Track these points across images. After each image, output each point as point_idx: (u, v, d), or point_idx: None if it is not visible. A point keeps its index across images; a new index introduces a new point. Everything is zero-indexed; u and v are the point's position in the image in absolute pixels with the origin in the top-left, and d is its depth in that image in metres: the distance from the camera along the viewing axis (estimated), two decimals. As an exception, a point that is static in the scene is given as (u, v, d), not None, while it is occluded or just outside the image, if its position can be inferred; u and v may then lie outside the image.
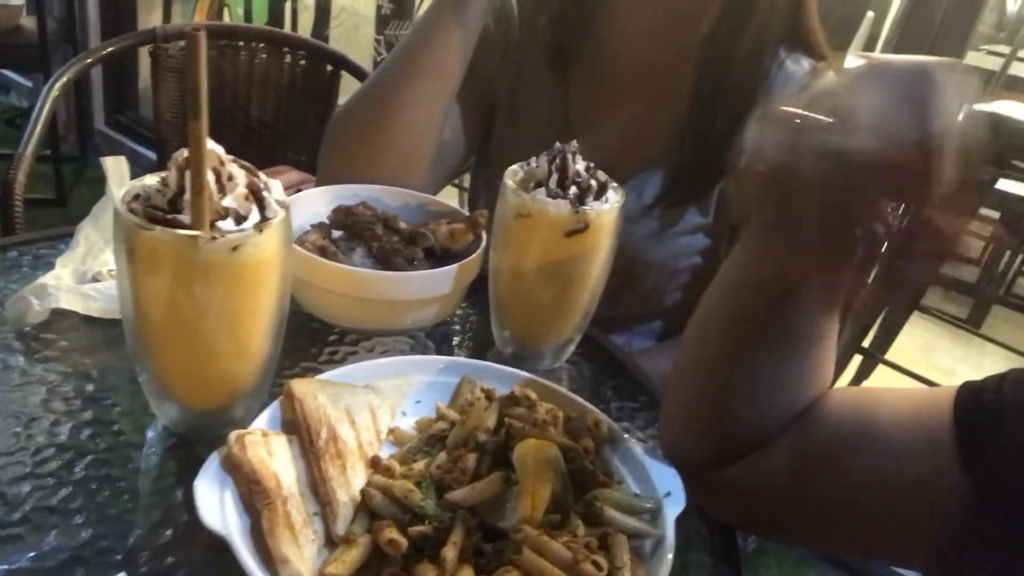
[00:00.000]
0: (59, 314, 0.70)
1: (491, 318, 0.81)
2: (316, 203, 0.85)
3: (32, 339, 0.69)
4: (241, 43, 1.68)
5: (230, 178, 0.56)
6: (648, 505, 0.58)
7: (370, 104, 0.94)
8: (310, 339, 0.77)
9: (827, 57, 0.98)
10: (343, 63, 1.68)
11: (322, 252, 0.76)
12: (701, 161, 0.99)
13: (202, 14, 3.32)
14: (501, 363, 0.79)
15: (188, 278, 0.55)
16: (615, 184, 0.74)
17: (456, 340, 0.84)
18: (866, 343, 2.28)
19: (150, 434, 0.62)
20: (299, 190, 1.64)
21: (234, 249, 0.54)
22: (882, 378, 2.50)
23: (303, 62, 1.71)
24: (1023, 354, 2.48)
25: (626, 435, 0.65)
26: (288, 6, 3.49)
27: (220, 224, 0.54)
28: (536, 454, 0.56)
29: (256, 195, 0.57)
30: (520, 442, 0.57)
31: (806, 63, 0.96)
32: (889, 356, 2.44)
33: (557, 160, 0.71)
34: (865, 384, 2.56)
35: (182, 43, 1.63)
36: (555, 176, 0.71)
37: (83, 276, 0.74)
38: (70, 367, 0.67)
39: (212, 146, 0.54)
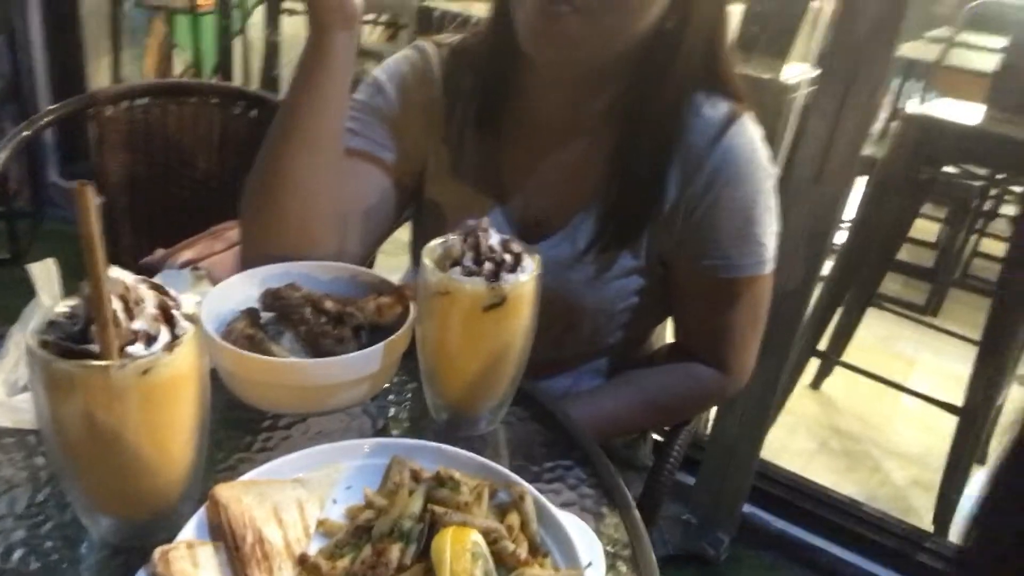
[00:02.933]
0: (-8, 427, 0.72)
1: (423, 386, 0.83)
2: (246, 287, 0.86)
3: (-36, 456, 0.70)
4: (190, 97, 1.68)
5: (138, 302, 0.57)
6: (569, 580, 0.60)
7: (256, 181, 0.95)
8: (242, 428, 0.79)
9: (743, 99, 1.01)
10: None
11: (250, 341, 0.78)
12: (628, 206, 1.02)
13: (151, 62, 3.32)
14: (437, 430, 0.82)
15: (104, 403, 0.56)
16: (532, 252, 0.77)
17: (392, 412, 0.86)
18: (822, 345, 2.33)
19: (83, 549, 0.63)
20: (248, 245, 1.64)
21: (145, 372, 0.56)
22: (840, 378, 2.56)
23: (250, 113, 1.71)
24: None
25: (549, 505, 0.67)
26: (238, 46, 3.50)
27: (130, 349, 0.56)
28: (454, 544, 0.58)
29: (166, 314, 0.58)
30: (439, 532, 0.59)
31: (724, 106, 0.99)
32: (850, 348, 2.49)
33: (470, 238, 0.73)
34: (825, 384, 2.62)
35: (124, 104, 1.64)
36: (469, 254, 0.73)
37: (14, 386, 0.75)
38: (2, 484, 0.68)
39: (117, 274, 0.56)
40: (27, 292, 0.79)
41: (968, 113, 2.08)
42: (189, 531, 0.60)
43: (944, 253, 3.50)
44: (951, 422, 2.52)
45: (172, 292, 0.60)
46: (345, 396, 0.79)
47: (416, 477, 0.68)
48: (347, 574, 0.59)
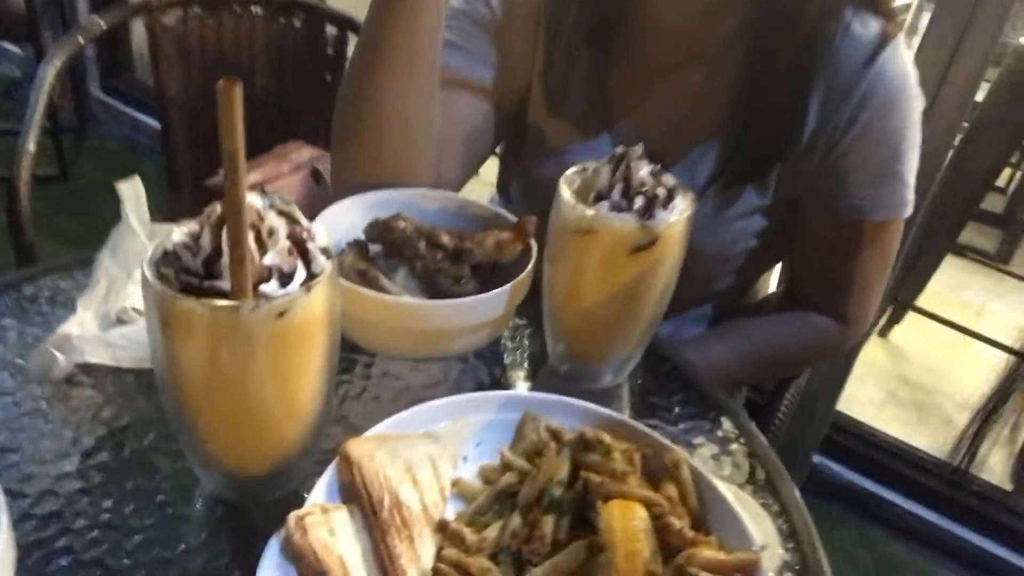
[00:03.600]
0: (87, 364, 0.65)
1: (545, 334, 0.75)
2: (348, 216, 0.78)
3: (59, 397, 0.64)
4: (237, 8, 1.57)
5: (270, 233, 0.49)
6: (744, 563, 0.53)
7: (346, 107, 0.86)
8: (343, 368, 0.72)
9: (896, 18, 0.89)
10: (347, 24, 1.57)
11: (362, 277, 0.70)
12: (759, 136, 0.91)
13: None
14: (556, 382, 0.75)
15: (231, 347, 0.49)
16: (684, 189, 0.67)
17: (507, 359, 0.79)
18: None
19: (198, 505, 0.57)
20: (314, 168, 1.57)
21: (281, 315, 0.48)
22: (913, 324, 2.45)
23: (302, 25, 1.60)
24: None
25: (708, 475, 0.60)
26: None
27: (263, 288, 0.48)
28: (624, 520, 0.51)
29: (300, 247, 0.51)
30: (605, 506, 0.52)
31: (875, 24, 0.88)
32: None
33: (621, 168, 0.64)
34: (896, 331, 2.52)
35: (177, 12, 1.53)
36: (619, 186, 0.64)
37: (106, 318, 0.68)
38: (104, 428, 0.62)
39: (250, 199, 0.48)
40: (78, 208, 0.71)
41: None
42: (320, 493, 0.54)
43: (1016, 199, 3.34)
44: None
45: (304, 220, 0.52)
46: (464, 341, 0.72)
47: (556, 437, 0.61)
48: (497, 548, 0.52)
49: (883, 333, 2.50)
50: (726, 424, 0.73)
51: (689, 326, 1.07)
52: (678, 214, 0.65)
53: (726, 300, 1.07)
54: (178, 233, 0.51)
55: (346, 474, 0.55)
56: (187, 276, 0.48)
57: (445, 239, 0.74)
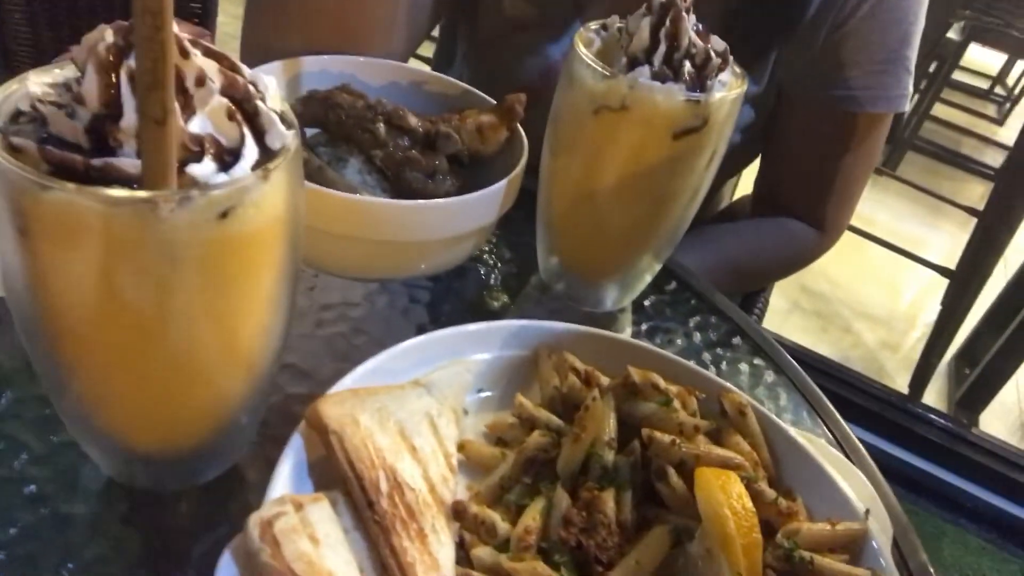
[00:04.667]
0: None
1: (537, 243, 0.59)
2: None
3: None
4: None
5: (200, 81, 0.30)
6: (855, 537, 0.41)
7: None
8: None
9: None
10: None
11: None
12: (755, 13, 0.77)
13: None
14: (548, 303, 0.60)
15: (140, 266, 0.30)
16: (732, 57, 0.52)
17: (490, 276, 0.62)
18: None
19: (91, 498, 0.39)
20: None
21: (224, 216, 0.30)
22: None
23: None
24: (932, 193, 2.49)
25: (782, 423, 0.47)
26: None
27: (194, 171, 0.29)
28: (729, 499, 0.37)
29: (243, 110, 0.32)
30: (698, 480, 0.38)
31: None
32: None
33: (668, 23, 0.48)
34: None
35: None
36: (662, 47, 0.48)
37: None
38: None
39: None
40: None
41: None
42: (283, 479, 0.37)
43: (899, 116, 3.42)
44: (916, 283, 2.51)
45: (246, 69, 0.33)
46: (442, 257, 0.55)
47: (587, 381, 0.46)
48: (545, 541, 0.38)
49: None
50: (753, 349, 0.61)
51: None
52: (729, 90, 0.50)
53: (705, 203, 0.94)
54: (37, 82, 0.31)
55: (317, 447, 0.38)
56: (61, 150, 0.29)
57: (412, 121, 0.55)
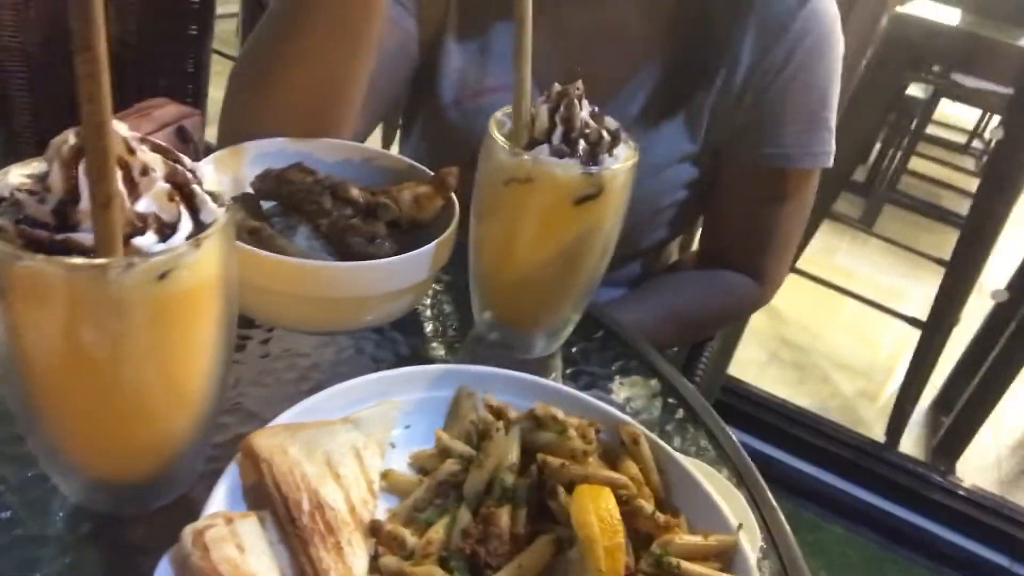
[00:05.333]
0: None
1: (472, 298, 0.67)
2: (233, 165, 0.67)
3: None
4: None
5: (144, 172, 0.38)
6: (725, 547, 0.47)
7: (262, 48, 0.74)
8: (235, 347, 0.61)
9: None
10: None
11: (254, 237, 0.59)
12: (693, 62, 0.86)
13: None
14: (484, 351, 0.66)
15: (96, 319, 0.38)
16: (625, 133, 0.60)
17: (428, 328, 0.70)
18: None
19: (58, 522, 0.45)
20: (180, 127, 1.39)
21: (162, 277, 0.37)
22: (790, 285, 2.53)
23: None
24: (915, 251, 2.56)
25: (670, 450, 0.53)
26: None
27: (138, 242, 0.37)
28: (599, 510, 0.43)
29: (183, 192, 0.40)
30: (574, 495, 0.45)
31: None
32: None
33: (562, 107, 0.56)
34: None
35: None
36: (560, 129, 0.56)
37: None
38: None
39: (115, 125, 0.36)
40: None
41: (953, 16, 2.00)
42: (220, 498, 0.43)
43: (875, 169, 3.53)
44: (892, 334, 2.57)
45: (185, 159, 0.41)
46: (381, 311, 0.62)
47: (499, 415, 0.53)
48: (446, 550, 0.44)
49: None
50: (666, 390, 0.68)
51: (608, 289, 1.01)
52: (623, 161, 0.58)
53: (651, 258, 1.02)
54: (16, 174, 0.39)
55: (252, 473, 0.45)
56: (32, 228, 0.36)
57: (355, 193, 0.63)
